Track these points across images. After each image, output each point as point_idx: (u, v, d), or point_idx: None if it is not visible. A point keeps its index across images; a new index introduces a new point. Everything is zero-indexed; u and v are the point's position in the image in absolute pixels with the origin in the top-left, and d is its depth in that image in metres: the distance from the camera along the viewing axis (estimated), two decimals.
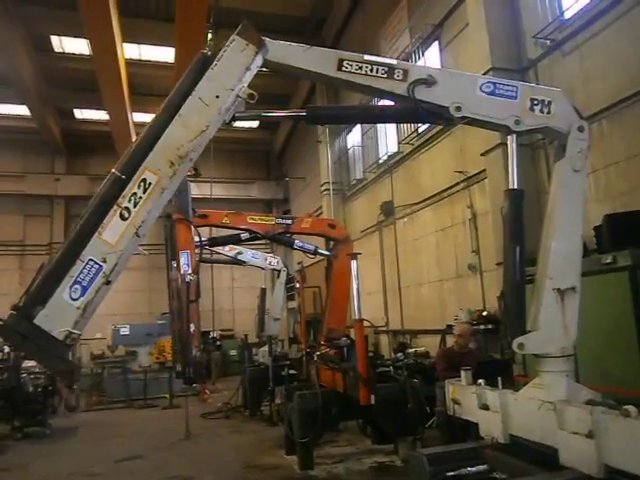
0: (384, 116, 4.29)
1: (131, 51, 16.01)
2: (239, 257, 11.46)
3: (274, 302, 11.79)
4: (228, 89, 3.50)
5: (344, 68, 3.72)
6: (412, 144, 11.68)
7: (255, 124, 22.06)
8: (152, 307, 21.09)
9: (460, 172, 9.71)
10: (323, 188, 15.86)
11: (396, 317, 12.58)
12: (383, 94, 3.86)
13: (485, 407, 3.82)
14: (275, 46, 3.70)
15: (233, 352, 19.79)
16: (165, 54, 16.23)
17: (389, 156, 12.93)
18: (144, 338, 15.54)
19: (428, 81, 3.72)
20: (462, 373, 4.26)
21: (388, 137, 13.10)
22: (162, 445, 8.93)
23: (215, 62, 3.54)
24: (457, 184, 9.98)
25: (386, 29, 12.79)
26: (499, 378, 3.89)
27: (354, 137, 15.47)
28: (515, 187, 3.67)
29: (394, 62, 3.82)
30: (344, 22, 15.38)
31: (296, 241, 8.19)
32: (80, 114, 20.34)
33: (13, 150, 20.69)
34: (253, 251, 11.69)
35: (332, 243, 8.30)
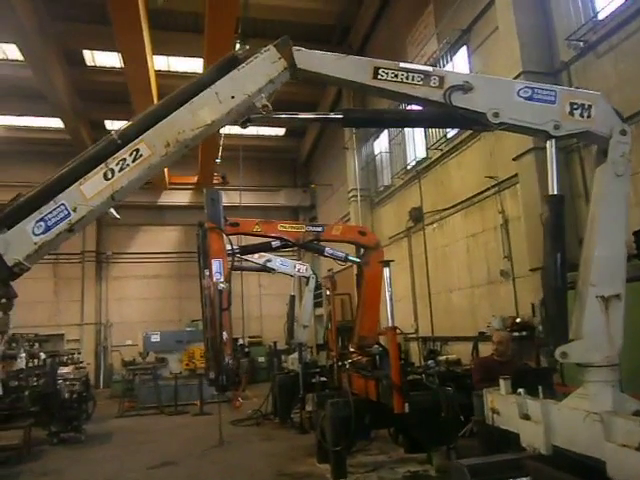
0: (419, 120, 4.27)
1: (160, 62, 16.33)
2: (268, 264, 11.50)
3: (303, 309, 11.80)
4: (245, 94, 3.57)
5: (380, 76, 3.72)
6: (441, 149, 11.60)
7: (282, 132, 22.23)
8: (182, 314, 21.38)
9: (490, 177, 9.59)
10: (350, 195, 15.86)
11: (426, 324, 12.45)
12: (419, 101, 3.85)
13: (526, 417, 3.74)
14: (309, 55, 3.73)
15: (261, 359, 19.86)
16: (193, 65, 16.51)
17: (417, 162, 12.86)
18: (174, 345, 15.73)
19: (465, 87, 3.69)
20: (501, 382, 4.18)
21: (416, 143, 13.04)
22: (195, 452, 9.00)
23: (243, 65, 3.61)
24: (487, 189, 9.86)
25: (413, 35, 12.76)
26: (540, 387, 3.81)
27: (381, 143, 15.43)
28: (555, 192, 3.61)
29: (430, 69, 3.81)
30: (370, 29, 15.42)
31: (327, 248, 8.19)
32: (111, 125, 20.77)
33: (47, 161, 21.22)
34: (282, 258, 11.73)
35: (362, 250, 8.27)
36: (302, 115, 4.08)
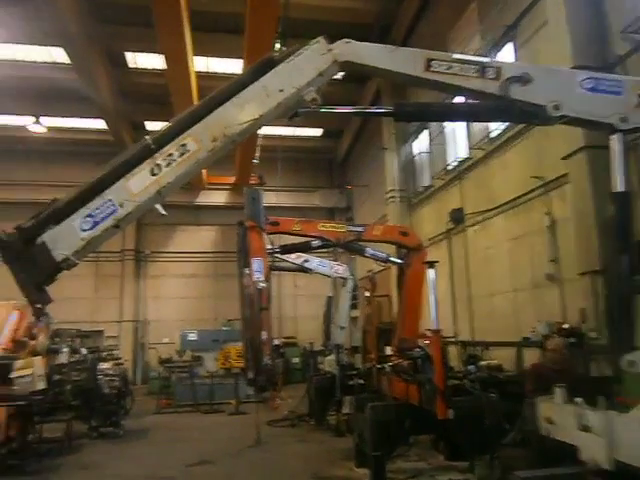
0: (473, 114, 4.08)
1: (199, 64, 16.48)
2: (305, 265, 11.44)
3: (340, 311, 11.67)
4: (294, 87, 3.49)
5: (432, 68, 3.58)
6: (484, 149, 11.29)
7: (319, 132, 22.17)
8: (217, 313, 21.53)
9: (537, 177, 9.26)
10: (388, 195, 15.64)
11: (465, 328, 12.14)
12: (473, 94, 3.68)
13: (586, 429, 3.52)
14: (359, 47, 3.61)
15: (295, 360, 19.80)
16: (233, 66, 16.61)
17: (459, 162, 12.56)
18: (210, 344, 15.81)
19: (523, 79, 3.51)
20: (557, 391, 3.96)
21: (457, 143, 12.74)
22: (231, 451, 8.98)
23: (292, 57, 3.53)
24: (533, 190, 9.52)
25: (455, 32, 12.50)
26: (601, 397, 3.58)
27: (421, 144, 15.17)
28: (622, 189, 3.38)
29: (486, 60, 3.65)
30: (410, 27, 15.18)
31: (367, 249, 8.04)
32: (151, 126, 21.12)
33: (90, 162, 21.73)
34: (320, 259, 11.64)
35: (404, 251, 8.09)
36: (350, 109, 3.98)
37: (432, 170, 14.26)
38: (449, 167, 13.13)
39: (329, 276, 11.92)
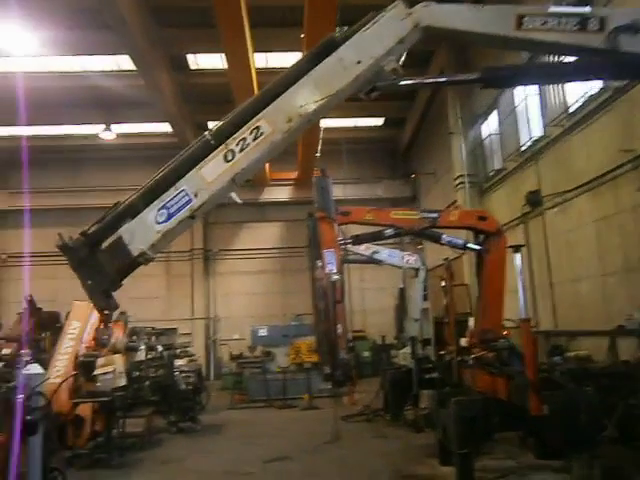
0: (575, 73, 3.59)
1: (259, 60, 16.48)
2: (375, 256, 11.16)
3: (413, 302, 11.32)
4: (373, 57, 3.20)
5: (525, 25, 3.19)
6: (562, 125, 10.53)
7: (380, 122, 21.73)
8: (285, 309, 21.61)
9: (628, 150, 8.48)
10: (457, 182, 15.01)
11: (547, 317, 11.43)
12: (573, 50, 3.27)
13: None
14: (441, 9, 3.29)
15: (366, 354, 19.52)
16: (292, 60, 16.49)
17: (533, 142, 11.81)
18: (281, 339, 15.83)
19: (634, 27, 3.06)
20: None
21: (531, 121, 11.98)
22: (308, 447, 8.86)
23: (368, 26, 3.25)
24: (622, 165, 8.74)
25: None
26: None
27: (490, 125, 14.45)
28: None
29: (587, 10, 3.22)
30: None
31: (443, 235, 7.64)
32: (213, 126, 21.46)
33: (156, 165, 22.39)
34: (389, 249, 11.32)
35: (482, 237, 7.62)
36: (433, 79, 3.66)
37: (503, 152, 13.53)
38: (523, 148, 12.39)
39: (400, 267, 11.57)
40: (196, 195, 3.25)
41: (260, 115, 3.22)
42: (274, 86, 3.46)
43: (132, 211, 3.43)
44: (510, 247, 6.26)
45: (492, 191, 14.24)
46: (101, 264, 3.32)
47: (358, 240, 8.06)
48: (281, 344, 15.86)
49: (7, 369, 9.62)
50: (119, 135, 20.20)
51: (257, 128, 3.21)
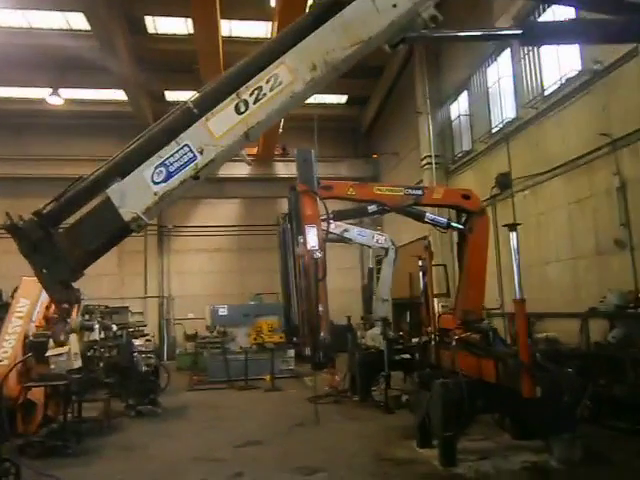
0: (619, 33, 3.27)
1: (223, 28, 15.69)
2: (345, 234, 10.88)
3: (382, 282, 11.15)
4: (412, 1, 2.83)
5: None
6: (536, 108, 10.50)
7: (343, 99, 21.35)
8: (243, 288, 21.20)
9: (604, 135, 8.50)
10: (424, 162, 14.88)
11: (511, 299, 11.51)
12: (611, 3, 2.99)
13: None
14: None
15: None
16: (257, 29, 15.82)
17: (506, 123, 11.76)
18: (242, 319, 15.37)
19: None
20: None
21: (504, 103, 11.92)
22: (279, 430, 8.55)
23: None
24: (598, 149, 8.78)
25: None
26: None
27: (460, 106, 14.34)
28: None
29: None
30: None
31: (427, 214, 7.43)
32: (171, 96, 20.41)
33: (111, 136, 21.06)
34: (359, 228, 11.07)
35: (464, 216, 7.45)
36: (470, 32, 3.31)
37: (473, 134, 13.48)
38: (494, 130, 12.35)
39: (370, 246, 11.34)
40: (201, 152, 2.80)
41: (280, 60, 2.78)
42: (280, 39, 3.02)
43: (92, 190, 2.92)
44: (505, 226, 6.10)
45: (459, 172, 14.20)
46: (59, 249, 2.84)
47: (341, 215, 7.73)
48: (241, 324, 15.41)
49: None
50: (68, 101, 18.84)
51: (275, 76, 2.78)
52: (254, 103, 2.79)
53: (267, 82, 2.79)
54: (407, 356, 10.03)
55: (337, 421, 9.05)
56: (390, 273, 11.18)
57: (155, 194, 2.84)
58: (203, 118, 2.82)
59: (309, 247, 6.14)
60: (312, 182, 6.46)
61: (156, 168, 2.83)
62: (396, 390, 9.96)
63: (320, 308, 6.10)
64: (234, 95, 2.81)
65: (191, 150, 2.80)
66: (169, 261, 22.18)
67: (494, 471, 6.12)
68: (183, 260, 22.16)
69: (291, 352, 14.53)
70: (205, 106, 2.88)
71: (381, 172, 21.51)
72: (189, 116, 2.91)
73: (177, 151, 2.82)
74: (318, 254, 6.07)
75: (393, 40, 2.96)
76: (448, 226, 7.48)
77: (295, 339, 10.51)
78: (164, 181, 2.83)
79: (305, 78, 2.78)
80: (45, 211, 2.92)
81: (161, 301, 21.74)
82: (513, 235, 5.73)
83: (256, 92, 2.79)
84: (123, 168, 2.90)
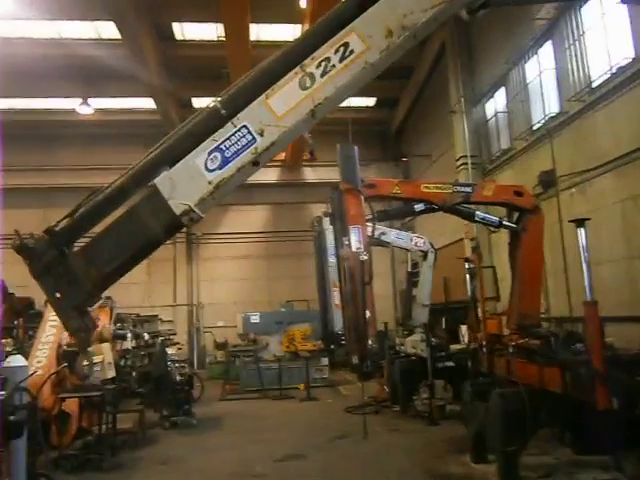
0: None
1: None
2: (382, 237, 10.47)
3: (422, 287, 10.69)
4: None
5: None
6: (583, 101, 9.95)
7: (372, 102, 20.97)
8: (271, 295, 20.92)
9: None
10: (459, 163, 14.36)
11: (560, 303, 10.91)
12: None
13: None
14: None
15: None
16: (285, 33, 15.60)
17: (549, 119, 11.21)
18: (274, 326, 15.05)
19: None
20: None
21: (546, 97, 11.37)
22: (318, 443, 8.16)
23: None
24: None
25: None
26: None
27: (496, 103, 13.82)
28: None
29: None
30: None
31: (477, 212, 6.98)
32: (199, 103, 20.31)
33: (140, 144, 21.10)
34: (397, 231, 10.66)
35: (517, 215, 6.98)
36: None
37: (512, 131, 12.94)
38: (535, 126, 11.79)
39: (408, 249, 10.90)
40: (261, 133, 2.44)
41: (350, 27, 2.42)
42: (297, 46, 2.66)
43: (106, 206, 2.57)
44: (572, 221, 5.63)
45: (498, 172, 13.64)
46: (73, 271, 2.54)
47: (388, 216, 7.35)
48: (274, 331, 15.08)
49: None
50: (97, 110, 18.90)
51: (345, 45, 2.42)
52: (321, 76, 2.44)
53: (336, 52, 2.44)
54: (451, 364, 9.55)
55: (379, 433, 8.60)
56: (430, 277, 10.72)
57: (209, 183, 2.50)
58: (263, 95, 2.47)
59: (354, 249, 5.74)
60: (356, 180, 6.13)
61: (210, 154, 2.49)
62: (440, 400, 9.48)
63: (367, 314, 5.68)
64: (298, 68, 2.47)
65: (250, 132, 2.45)
66: (198, 269, 22.02)
67: None
68: (212, 267, 21.98)
69: (325, 360, 14.15)
70: (235, 107, 2.55)
71: (412, 175, 21.01)
72: (216, 120, 2.59)
73: (234, 133, 2.47)
74: (364, 256, 5.66)
75: (475, 3, 2.58)
76: (499, 225, 7.02)
77: (333, 346, 10.22)
78: (219, 168, 2.49)
79: (380, 45, 2.42)
80: (58, 228, 2.57)
81: (190, 309, 21.60)
82: (581, 231, 5.27)
83: (324, 64, 2.44)
84: (135, 183, 2.58)
